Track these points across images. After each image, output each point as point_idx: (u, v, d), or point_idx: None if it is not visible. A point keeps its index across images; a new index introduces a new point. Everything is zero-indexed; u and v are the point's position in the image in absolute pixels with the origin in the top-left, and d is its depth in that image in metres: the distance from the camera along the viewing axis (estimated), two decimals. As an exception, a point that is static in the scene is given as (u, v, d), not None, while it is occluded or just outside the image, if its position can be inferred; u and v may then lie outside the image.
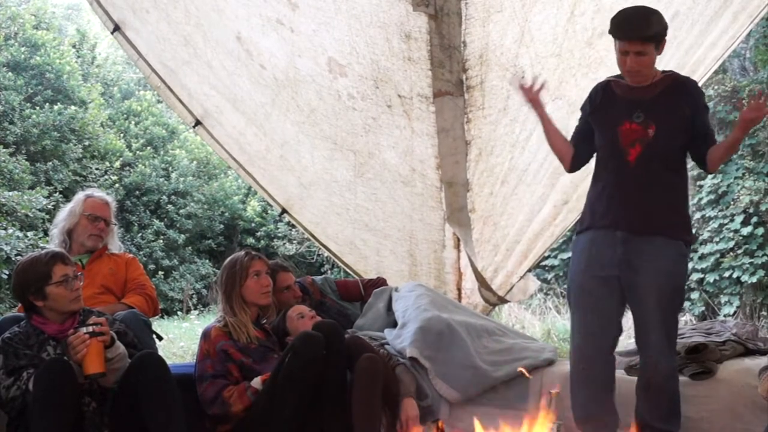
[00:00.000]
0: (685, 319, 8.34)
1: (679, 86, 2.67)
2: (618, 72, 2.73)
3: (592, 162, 2.86)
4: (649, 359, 2.61)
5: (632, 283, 2.60)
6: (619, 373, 2.81)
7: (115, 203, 3.54)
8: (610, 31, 2.64)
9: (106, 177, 11.49)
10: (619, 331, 2.71)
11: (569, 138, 2.89)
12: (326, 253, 4.69)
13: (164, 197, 12.51)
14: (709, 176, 8.84)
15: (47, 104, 10.91)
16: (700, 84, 3.84)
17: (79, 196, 3.45)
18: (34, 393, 2.33)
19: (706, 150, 2.65)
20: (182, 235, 12.38)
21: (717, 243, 8.55)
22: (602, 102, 2.75)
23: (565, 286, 4.32)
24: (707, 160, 2.64)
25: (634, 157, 2.61)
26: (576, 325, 2.74)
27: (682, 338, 3.22)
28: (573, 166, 2.88)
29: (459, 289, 4.36)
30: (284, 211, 4.42)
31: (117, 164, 12.01)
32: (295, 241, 12.52)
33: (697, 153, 2.67)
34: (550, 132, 2.85)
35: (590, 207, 2.76)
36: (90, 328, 2.37)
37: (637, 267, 2.58)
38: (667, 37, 2.64)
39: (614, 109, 2.69)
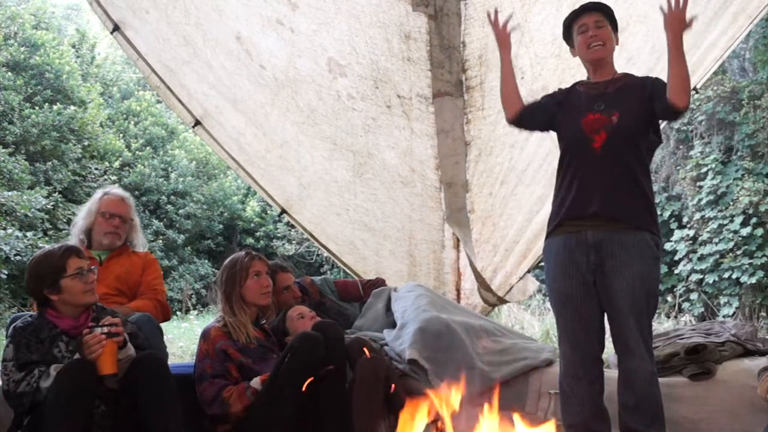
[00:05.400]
0: (685, 320, 8.35)
1: (638, 79, 2.71)
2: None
3: None
4: (629, 365, 2.59)
5: (607, 288, 2.59)
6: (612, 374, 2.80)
7: (133, 200, 3.48)
8: (564, 32, 2.78)
9: (105, 177, 11.48)
10: (603, 332, 2.70)
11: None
12: (325, 254, 4.69)
13: (163, 197, 12.51)
14: (709, 177, 8.85)
15: (46, 104, 10.90)
16: (699, 85, 3.87)
17: (97, 193, 3.41)
18: (54, 394, 2.30)
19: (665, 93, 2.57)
20: (181, 236, 12.38)
21: (716, 244, 8.56)
22: (568, 97, 2.79)
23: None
24: (670, 96, 2.51)
25: (600, 144, 2.60)
26: (560, 331, 2.74)
27: (682, 339, 3.22)
28: (516, 117, 2.83)
29: (458, 290, 4.36)
30: (284, 211, 4.41)
31: (116, 164, 12.01)
32: (294, 242, 12.53)
33: (662, 103, 2.57)
34: (507, 75, 2.82)
35: (558, 202, 2.73)
36: (106, 329, 2.37)
37: (611, 272, 2.57)
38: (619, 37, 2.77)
39: (577, 104, 2.72)
